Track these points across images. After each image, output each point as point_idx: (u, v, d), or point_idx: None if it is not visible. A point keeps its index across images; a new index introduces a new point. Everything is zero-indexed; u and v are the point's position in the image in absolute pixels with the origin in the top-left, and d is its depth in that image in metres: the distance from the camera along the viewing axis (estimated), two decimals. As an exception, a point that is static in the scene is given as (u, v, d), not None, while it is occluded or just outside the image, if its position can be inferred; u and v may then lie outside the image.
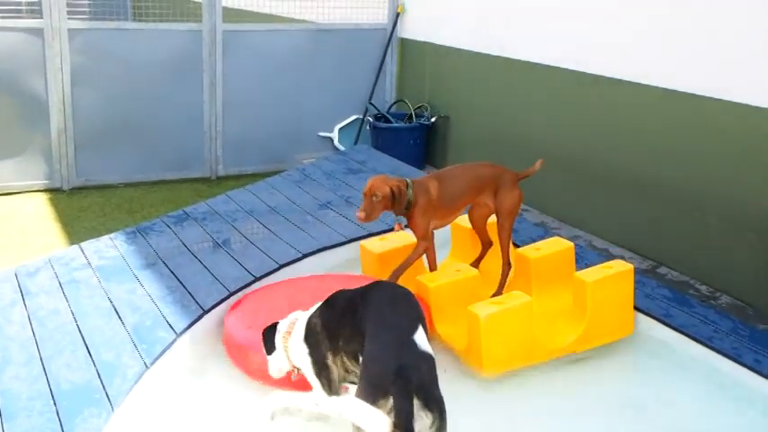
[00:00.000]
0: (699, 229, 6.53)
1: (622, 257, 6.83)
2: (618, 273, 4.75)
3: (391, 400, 2.83)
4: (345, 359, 3.50)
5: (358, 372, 3.31)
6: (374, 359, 3.03)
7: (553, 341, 4.61)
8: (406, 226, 4.83)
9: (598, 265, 4.87)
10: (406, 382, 2.87)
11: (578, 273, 4.76)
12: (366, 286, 3.63)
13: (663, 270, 6.66)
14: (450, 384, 4.29)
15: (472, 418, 4.06)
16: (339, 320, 3.53)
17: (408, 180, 4.71)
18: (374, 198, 4.52)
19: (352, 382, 3.51)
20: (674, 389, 4.43)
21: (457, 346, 4.55)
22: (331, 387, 3.58)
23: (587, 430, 4.09)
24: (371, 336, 3.16)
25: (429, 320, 4.61)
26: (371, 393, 2.88)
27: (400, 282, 4.69)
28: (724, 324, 4.80)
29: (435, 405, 2.90)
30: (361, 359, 3.24)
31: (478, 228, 5.12)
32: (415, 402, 2.84)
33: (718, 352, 4.50)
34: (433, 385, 2.97)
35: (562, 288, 4.96)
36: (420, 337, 3.15)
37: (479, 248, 5.25)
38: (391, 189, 4.55)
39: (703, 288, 6.39)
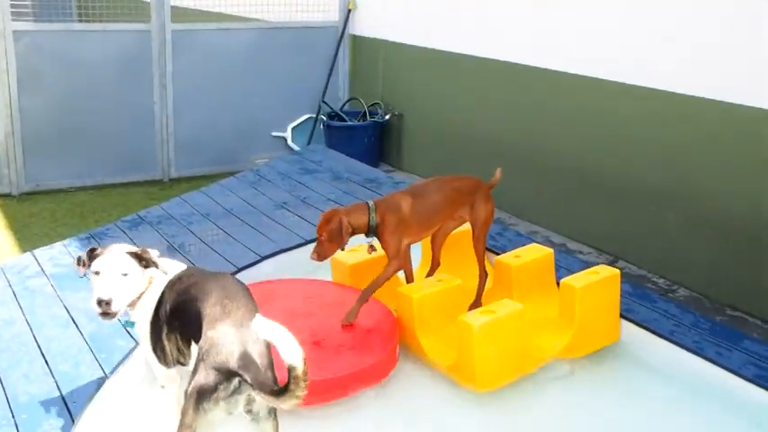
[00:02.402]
0: (656, 223, 6.57)
1: (580, 252, 6.88)
2: (605, 278, 4.72)
3: (235, 382, 3.09)
4: (179, 339, 3.63)
5: (188, 353, 3.55)
6: (217, 346, 3.15)
7: (542, 350, 4.56)
8: (372, 249, 4.75)
9: (584, 271, 4.83)
10: (251, 365, 3.10)
11: (566, 278, 4.71)
12: (204, 278, 3.66)
13: (621, 264, 6.69)
14: (441, 400, 4.30)
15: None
16: (184, 302, 3.58)
17: (370, 203, 4.55)
18: (322, 238, 4.42)
19: (181, 363, 3.65)
20: (643, 386, 4.46)
21: (443, 360, 4.45)
22: (166, 360, 3.70)
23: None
24: (212, 325, 3.28)
25: (412, 333, 4.56)
26: (216, 378, 3.09)
27: (377, 293, 4.63)
28: (685, 318, 4.83)
29: (274, 386, 3.10)
30: (194, 345, 3.42)
31: (438, 244, 5.01)
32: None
33: (681, 346, 4.53)
34: (271, 369, 3.19)
35: (543, 295, 4.94)
36: (257, 324, 3.31)
37: (452, 255, 5.16)
38: (330, 227, 4.39)
39: (661, 281, 6.44)
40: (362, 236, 4.60)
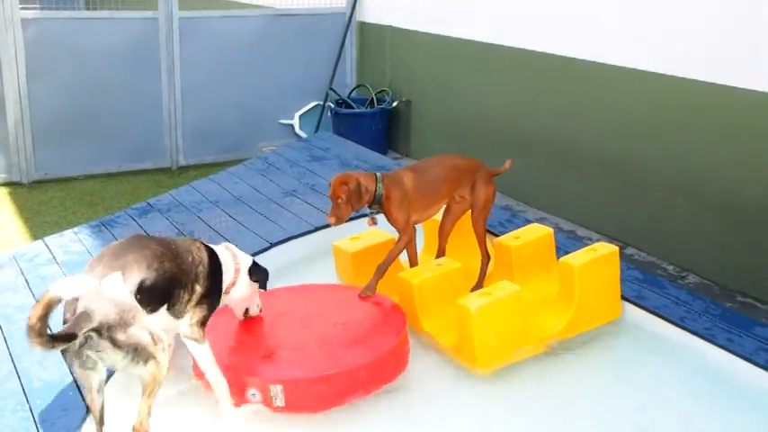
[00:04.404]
0: (665, 209, 6.57)
1: (589, 239, 6.87)
2: (603, 255, 4.71)
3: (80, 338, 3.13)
4: None
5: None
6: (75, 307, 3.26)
7: (543, 329, 4.57)
8: (374, 221, 4.78)
9: (582, 249, 4.83)
10: (83, 320, 3.13)
11: (564, 257, 4.72)
12: None
13: (630, 251, 6.69)
14: (443, 381, 4.29)
15: (467, 414, 4.07)
16: None
17: (378, 174, 4.60)
18: (339, 200, 4.43)
19: None
20: (654, 373, 4.45)
21: (445, 342, 4.47)
22: None
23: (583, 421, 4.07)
24: None
25: (414, 317, 4.55)
26: (63, 336, 3.12)
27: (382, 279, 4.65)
28: (696, 304, 4.83)
29: (123, 344, 3.20)
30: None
31: (446, 232, 5.00)
32: (103, 341, 3.18)
33: (692, 332, 4.53)
34: (119, 327, 3.21)
35: (544, 275, 4.94)
36: (110, 282, 3.36)
37: (457, 239, 5.14)
38: (349, 188, 4.42)
39: (671, 268, 6.43)
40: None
